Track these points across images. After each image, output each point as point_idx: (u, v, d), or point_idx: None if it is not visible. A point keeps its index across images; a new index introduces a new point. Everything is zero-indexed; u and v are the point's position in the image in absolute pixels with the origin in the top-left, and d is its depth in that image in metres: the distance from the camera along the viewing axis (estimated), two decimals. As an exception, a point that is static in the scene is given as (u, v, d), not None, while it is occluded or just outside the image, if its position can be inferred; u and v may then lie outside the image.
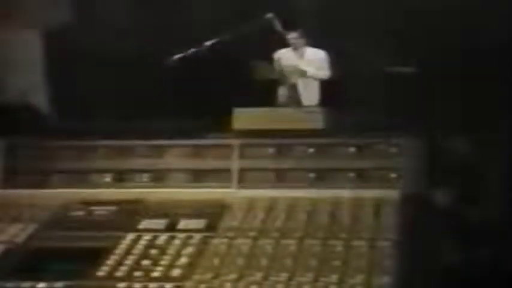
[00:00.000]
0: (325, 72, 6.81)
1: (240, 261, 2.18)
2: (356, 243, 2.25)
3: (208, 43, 6.79)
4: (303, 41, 6.89)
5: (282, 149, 2.66)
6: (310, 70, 6.79)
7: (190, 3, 7.29)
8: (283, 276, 2.09)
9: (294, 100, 6.69)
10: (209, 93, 6.75)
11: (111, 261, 2.24)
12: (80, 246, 2.36)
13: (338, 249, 2.22)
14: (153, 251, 2.29)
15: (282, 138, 2.67)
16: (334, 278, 2.06)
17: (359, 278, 2.05)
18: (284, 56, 6.92)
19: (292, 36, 6.85)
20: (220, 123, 2.94)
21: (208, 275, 2.12)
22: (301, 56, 6.90)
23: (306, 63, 6.87)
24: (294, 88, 6.78)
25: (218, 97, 6.23)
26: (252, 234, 2.34)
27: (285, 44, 6.88)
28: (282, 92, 6.83)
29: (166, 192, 2.67)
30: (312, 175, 2.62)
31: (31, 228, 2.50)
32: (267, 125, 2.76)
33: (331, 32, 6.76)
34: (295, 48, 6.90)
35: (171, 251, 2.28)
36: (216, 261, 2.20)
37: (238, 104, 2.91)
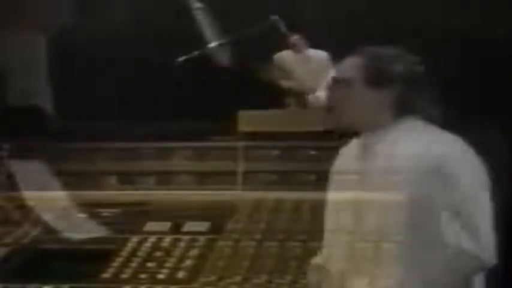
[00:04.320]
0: (327, 75, 6.78)
1: (245, 263, 2.19)
2: (361, 245, 2.24)
3: (212, 45, 6.78)
4: (305, 43, 6.84)
5: (286, 151, 2.66)
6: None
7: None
8: (288, 278, 2.09)
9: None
10: (214, 96, 6.75)
11: (116, 263, 2.24)
12: (85, 248, 2.36)
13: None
14: (159, 253, 2.29)
15: (286, 141, 2.67)
16: (338, 280, 2.05)
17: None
18: (285, 58, 6.87)
19: (294, 38, 6.80)
20: (226, 126, 2.94)
21: (213, 277, 2.12)
22: (303, 59, 6.84)
23: (309, 67, 6.82)
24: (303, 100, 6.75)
25: (223, 99, 6.23)
26: (256, 236, 2.35)
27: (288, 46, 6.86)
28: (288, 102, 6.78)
29: (172, 194, 2.67)
30: (316, 177, 2.62)
31: (37, 230, 2.51)
32: (271, 127, 2.75)
33: (334, 35, 6.75)
34: (297, 51, 6.84)
35: (176, 253, 2.28)
36: (221, 263, 2.20)
37: (243, 106, 2.91)
